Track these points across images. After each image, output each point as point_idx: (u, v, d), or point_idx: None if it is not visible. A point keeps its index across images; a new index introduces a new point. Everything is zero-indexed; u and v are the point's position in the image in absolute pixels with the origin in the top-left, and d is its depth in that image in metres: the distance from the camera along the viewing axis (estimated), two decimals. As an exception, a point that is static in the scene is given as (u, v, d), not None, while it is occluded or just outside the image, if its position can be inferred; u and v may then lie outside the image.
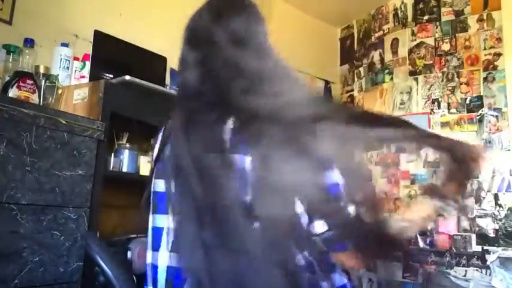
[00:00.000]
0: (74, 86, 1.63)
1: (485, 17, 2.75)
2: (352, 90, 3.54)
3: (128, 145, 1.75)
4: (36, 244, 1.17)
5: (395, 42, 3.18)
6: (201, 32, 0.96)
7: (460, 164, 0.93)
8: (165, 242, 0.89)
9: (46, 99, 1.43)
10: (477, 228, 2.56)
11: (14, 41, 1.53)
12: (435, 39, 2.94)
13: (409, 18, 3.12)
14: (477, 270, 2.48)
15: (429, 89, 2.92)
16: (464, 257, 2.58)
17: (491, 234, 2.50)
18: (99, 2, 2.09)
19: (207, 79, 0.91)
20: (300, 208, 0.83)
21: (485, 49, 2.72)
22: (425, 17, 3.02)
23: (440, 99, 2.86)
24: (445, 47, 2.89)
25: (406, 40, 3.10)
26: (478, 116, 2.68)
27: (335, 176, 0.84)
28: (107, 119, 1.45)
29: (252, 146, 0.81)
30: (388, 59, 3.21)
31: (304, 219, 0.83)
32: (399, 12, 3.20)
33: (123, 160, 1.70)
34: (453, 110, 2.79)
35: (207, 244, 0.77)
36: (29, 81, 1.35)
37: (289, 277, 0.76)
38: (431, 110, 2.88)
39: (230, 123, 0.86)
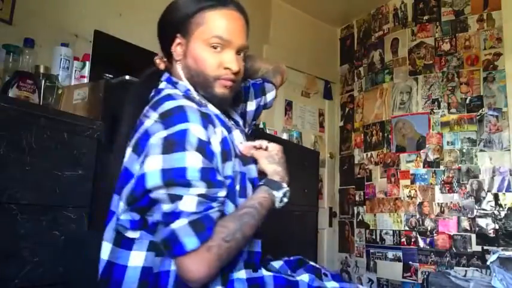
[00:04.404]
0: (74, 86, 1.63)
1: (485, 17, 2.75)
2: (352, 90, 3.54)
3: (128, 145, 1.74)
4: (36, 244, 1.17)
5: (395, 42, 3.18)
6: None
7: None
8: None
9: (46, 99, 1.42)
10: (477, 228, 2.57)
11: (14, 41, 1.53)
12: (435, 39, 2.94)
13: (409, 18, 3.12)
14: (477, 270, 2.48)
15: (429, 89, 2.92)
16: (464, 257, 2.58)
17: (491, 234, 2.50)
18: (99, 2, 2.08)
19: None
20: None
21: (485, 49, 2.72)
22: (425, 17, 3.02)
23: (440, 99, 2.86)
24: (445, 47, 2.89)
25: (406, 40, 3.10)
26: (478, 116, 2.68)
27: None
28: (107, 119, 1.45)
29: None
30: (388, 59, 3.21)
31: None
32: (399, 12, 3.20)
33: (123, 160, 1.70)
34: (453, 110, 2.79)
35: None
36: (29, 81, 1.35)
37: None
38: (431, 110, 2.88)
39: None
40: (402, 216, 2.89)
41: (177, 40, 0.93)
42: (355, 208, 3.29)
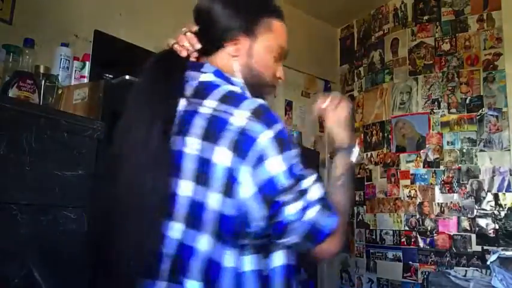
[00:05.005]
0: (74, 86, 1.63)
1: (485, 17, 2.74)
2: (352, 90, 3.54)
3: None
4: (36, 244, 1.17)
5: (395, 42, 3.18)
6: None
7: None
8: None
9: (46, 99, 1.42)
10: (477, 228, 2.57)
11: (14, 41, 1.53)
12: (435, 39, 2.94)
13: (409, 18, 3.12)
14: (477, 270, 2.48)
15: (429, 89, 2.92)
16: (464, 257, 2.58)
17: (491, 234, 2.51)
18: (99, 2, 2.09)
19: None
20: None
21: (485, 49, 2.72)
22: (425, 17, 3.02)
23: (440, 99, 2.86)
24: (445, 47, 2.89)
25: (406, 40, 3.10)
26: (478, 116, 2.68)
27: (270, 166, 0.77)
28: (107, 119, 1.45)
29: None
30: (388, 59, 3.21)
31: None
32: (399, 12, 3.20)
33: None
34: (453, 110, 2.79)
35: None
36: (29, 81, 1.35)
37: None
38: (431, 110, 2.88)
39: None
40: (402, 216, 2.89)
41: (239, 37, 0.91)
42: (355, 208, 3.29)
